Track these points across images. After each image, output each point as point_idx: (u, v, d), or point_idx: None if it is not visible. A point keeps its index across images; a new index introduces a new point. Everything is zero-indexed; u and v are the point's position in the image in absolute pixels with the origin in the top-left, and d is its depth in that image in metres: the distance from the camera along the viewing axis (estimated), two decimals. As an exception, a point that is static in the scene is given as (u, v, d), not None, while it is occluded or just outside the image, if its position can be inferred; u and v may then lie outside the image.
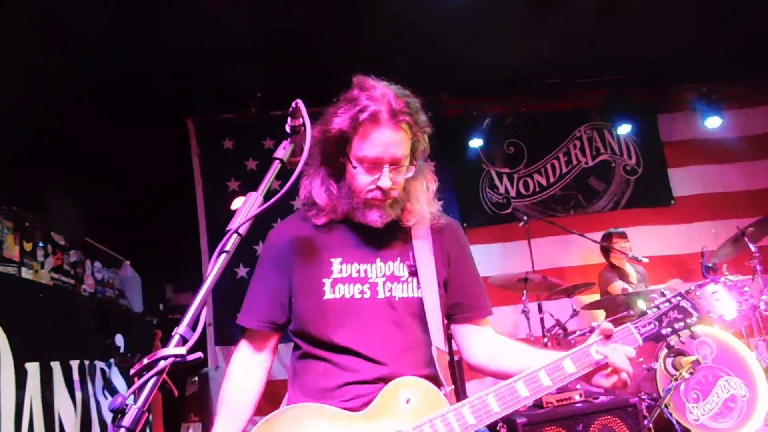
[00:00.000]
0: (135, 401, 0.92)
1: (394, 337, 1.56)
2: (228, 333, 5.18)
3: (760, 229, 4.34)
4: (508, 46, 5.06)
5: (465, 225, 5.92)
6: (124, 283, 5.37)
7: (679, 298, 1.64)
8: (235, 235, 1.14)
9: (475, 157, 6.11)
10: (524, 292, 4.70)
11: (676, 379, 3.36)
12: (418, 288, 1.59)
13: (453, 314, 1.71)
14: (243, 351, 1.69)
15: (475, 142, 5.99)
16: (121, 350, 4.31)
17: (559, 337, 4.53)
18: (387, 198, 1.54)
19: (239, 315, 1.69)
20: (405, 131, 1.51)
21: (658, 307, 1.62)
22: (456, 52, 5.02)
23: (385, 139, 1.49)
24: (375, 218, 1.56)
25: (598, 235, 5.27)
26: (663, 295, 1.66)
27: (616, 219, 5.89)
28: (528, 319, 4.70)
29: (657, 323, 1.59)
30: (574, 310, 4.49)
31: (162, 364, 0.92)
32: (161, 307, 5.96)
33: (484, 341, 1.72)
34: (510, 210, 6.07)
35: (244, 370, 1.66)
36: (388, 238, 1.63)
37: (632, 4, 4.53)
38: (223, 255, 1.13)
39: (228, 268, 1.68)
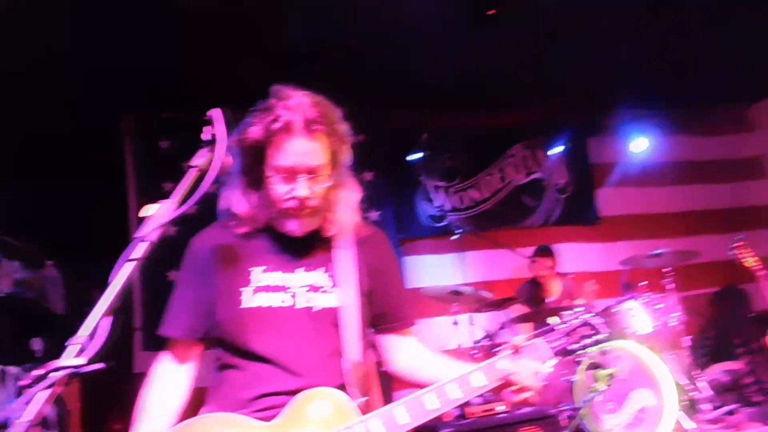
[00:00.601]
0: (25, 415, 0.88)
1: (312, 348, 1.56)
2: (158, 338, 5.01)
3: (676, 253, 4.61)
4: (450, 62, 5.17)
5: (401, 236, 6.01)
6: (46, 284, 5.12)
7: (590, 314, 1.68)
8: (143, 242, 1.12)
9: (413, 170, 6.20)
10: (455, 303, 4.79)
11: (593, 391, 3.51)
12: (339, 298, 1.60)
13: (377, 324, 1.73)
14: (165, 361, 1.67)
15: (414, 155, 6.07)
16: (39, 355, 4.11)
17: (488, 349, 4.65)
18: (304, 207, 1.54)
19: (161, 325, 1.67)
20: (321, 140, 1.52)
21: (568, 323, 1.65)
22: (399, 65, 5.09)
23: (300, 148, 1.49)
24: (294, 227, 1.56)
25: (528, 251, 5.45)
26: (574, 310, 1.69)
27: (545, 235, 6.09)
28: (458, 330, 4.79)
29: (566, 338, 1.63)
30: (503, 322, 4.61)
31: (54, 375, 0.89)
32: (86, 310, 5.71)
33: (407, 352, 1.74)
34: (445, 223, 6.18)
35: (166, 380, 1.63)
36: (310, 247, 1.64)
37: (570, 30, 4.74)
38: (130, 263, 1.10)
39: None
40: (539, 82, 5.79)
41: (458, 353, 4.65)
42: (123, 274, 1.09)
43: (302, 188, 1.50)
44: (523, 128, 6.51)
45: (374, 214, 5.98)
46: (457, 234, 5.27)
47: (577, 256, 6.22)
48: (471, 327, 4.86)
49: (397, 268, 1.81)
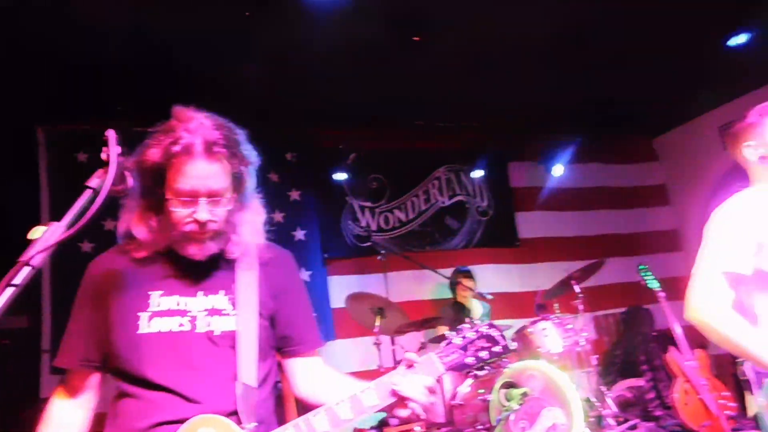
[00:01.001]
0: None
1: (212, 373, 1.52)
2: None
3: (585, 273, 4.83)
4: (378, 84, 5.25)
5: (326, 255, 6.00)
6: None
7: (486, 327, 1.65)
8: (26, 267, 1.07)
9: (339, 190, 6.22)
10: (377, 324, 4.81)
11: (507, 410, 3.61)
12: (239, 321, 1.57)
13: (281, 347, 1.71)
14: (60, 396, 1.59)
15: (341, 175, 6.10)
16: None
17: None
18: (205, 231, 1.51)
19: (56, 356, 1.59)
20: (223, 163, 1.49)
21: (464, 336, 1.63)
22: (327, 85, 5.12)
23: (200, 171, 1.46)
24: (194, 251, 1.53)
25: (450, 272, 5.58)
26: (472, 324, 1.67)
27: (467, 257, 6.26)
28: (380, 350, 4.81)
29: (462, 352, 1.60)
30: (422, 342, 4.68)
31: None
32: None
33: (310, 374, 1.73)
34: (370, 243, 6.22)
35: (61, 419, 1.56)
36: (212, 270, 1.61)
37: (492, 59, 4.94)
38: (10, 288, 1.04)
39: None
40: (463, 107, 5.99)
41: (380, 374, 4.67)
42: (3, 298, 1.03)
43: (203, 212, 1.47)
44: (447, 151, 6.67)
45: (300, 233, 5.96)
46: (381, 254, 5.33)
47: (499, 277, 6.42)
48: (393, 348, 4.90)
49: (302, 290, 1.78)
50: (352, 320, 4.97)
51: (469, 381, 4.17)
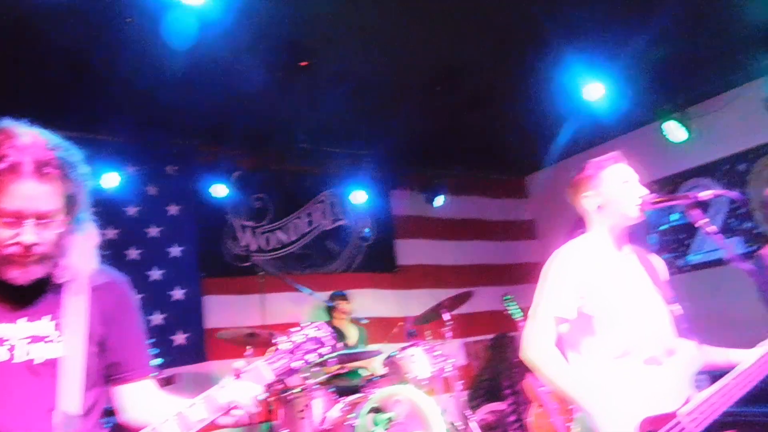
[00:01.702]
0: None
1: (29, 405, 1.43)
2: None
3: (455, 301, 5.07)
4: (267, 105, 5.24)
5: (203, 275, 5.81)
6: None
7: (314, 329, 1.69)
8: None
9: (221, 207, 6.07)
10: (249, 347, 4.71)
11: (372, 435, 3.69)
12: (64, 348, 1.50)
13: (110, 375, 1.64)
14: None
15: (222, 192, 5.95)
16: None
17: (278, 393, 4.65)
18: (30, 254, 1.43)
19: None
20: (54, 184, 1.43)
21: (292, 341, 1.64)
22: (213, 103, 5.03)
23: (28, 191, 1.39)
24: (15, 275, 1.44)
25: (328, 295, 5.62)
26: (300, 327, 1.69)
27: (346, 281, 6.34)
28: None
29: (290, 356, 1.63)
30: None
31: None
32: None
33: (139, 400, 1.67)
34: (249, 264, 6.12)
35: None
36: (37, 295, 1.52)
37: (374, 90, 5.10)
38: None
39: None
40: (348, 134, 6.11)
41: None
42: None
43: (29, 234, 1.40)
44: (332, 176, 6.75)
45: (177, 249, 5.74)
46: (260, 275, 5.27)
47: (377, 302, 6.55)
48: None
49: (135, 316, 1.72)
50: (225, 342, 4.83)
51: (339, 405, 4.21)
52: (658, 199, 2.19)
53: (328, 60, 4.51)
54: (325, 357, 1.68)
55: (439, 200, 6.94)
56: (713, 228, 2.15)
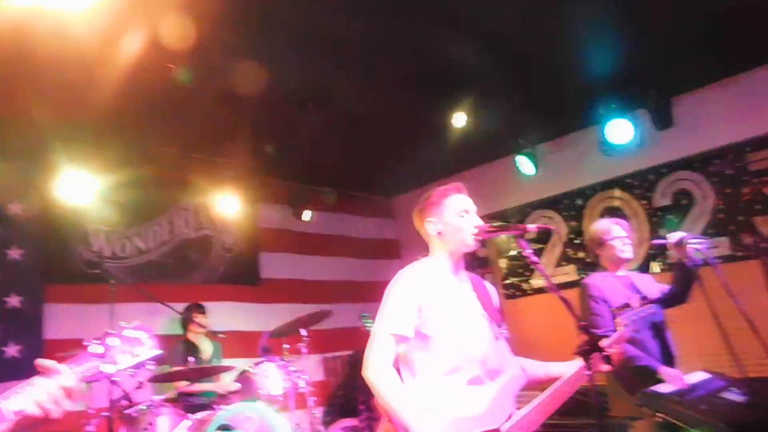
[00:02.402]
0: None
1: None
2: None
3: (313, 318, 5.13)
4: (131, 102, 4.97)
5: (46, 280, 5.36)
6: None
7: (132, 330, 1.61)
8: None
9: (71, 209, 5.64)
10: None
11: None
12: None
13: None
14: None
15: (74, 192, 5.51)
16: None
17: (124, 410, 4.40)
18: None
19: None
20: None
21: (105, 345, 1.55)
22: (70, 99, 4.70)
23: None
24: None
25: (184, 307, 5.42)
26: (118, 330, 1.61)
27: (206, 292, 6.13)
28: (92, 388, 4.42)
29: (99, 360, 1.53)
30: (140, 381, 4.43)
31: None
32: None
33: None
34: (101, 270, 5.73)
35: None
36: None
37: (243, 102, 5.05)
38: None
39: None
40: (218, 142, 5.97)
41: (87, 415, 4.31)
42: None
43: None
44: (199, 184, 6.53)
45: (15, 252, 5.26)
46: (112, 283, 4.96)
47: (237, 315, 6.41)
48: (110, 386, 4.55)
49: None
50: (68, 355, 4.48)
51: (187, 423, 4.09)
52: (491, 229, 2.40)
53: (199, 64, 4.40)
54: (142, 358, 1.58)
55: (307, 215, 6.97)
56: (536, 259, 2.40)
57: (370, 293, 7.53)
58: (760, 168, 5.39)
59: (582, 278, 3.77)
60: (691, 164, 5.80)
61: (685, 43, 4.77)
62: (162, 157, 6.10)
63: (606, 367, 2.15)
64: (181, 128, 5.55)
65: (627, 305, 2.64)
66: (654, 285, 3.56)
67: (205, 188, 6.53)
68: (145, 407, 4.22)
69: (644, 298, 3.38)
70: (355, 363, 6.86)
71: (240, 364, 5.05)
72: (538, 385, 2.41)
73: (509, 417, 2.14)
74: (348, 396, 6.49)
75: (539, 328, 6.29)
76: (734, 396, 3.01)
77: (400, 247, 8.40)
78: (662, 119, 5.42)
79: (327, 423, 6.02)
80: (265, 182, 6.83)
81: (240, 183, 6.52)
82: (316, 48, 4.36)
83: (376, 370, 2.15)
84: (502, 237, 6.15)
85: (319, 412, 6.48)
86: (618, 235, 3.56)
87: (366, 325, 5.18)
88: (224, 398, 4.47)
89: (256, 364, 4.44)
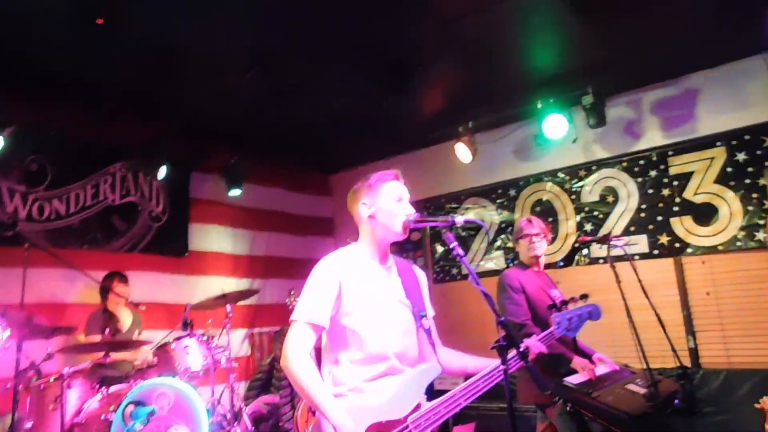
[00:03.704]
0: None
1: None
2: None
3: (241, 294, 5.03)
4: (59, 57, 4.69)
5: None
6: None
7: None
8: None
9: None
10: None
11: (128, 430, 3.51)
12: None
13: None
14: None
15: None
16: None
17: (31, 381, 4.19)
18: None
19: None
20: None
21: None
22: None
23: None
24: None
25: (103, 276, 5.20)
26: None
27: (130, 262, 5.89)
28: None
29: None
30: (49, 352, 4.23)
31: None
32: None
33: None
34: (13, 233, 5.40)
35: None
36: None
37: (182, 64, 4.84)
38: None
39: None
40: (151, 103, 5.72)
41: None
42: None
43: None
44: (128, 147, 6.23)
45: None
46: (26, 247, 4.68)
47: (161, 286, 6.21)
48: (18, 354, 4.31)
49: None
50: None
51: (98, 397, 3.94)
52: (420, 219, 2.39)
53: (133, 20, 4.16)
54: None
55: (239, 188, 6.78)
56: (461, 252, 2.41)
57: (301, 270, 7.49)
58: (680, 172, 5.67)
59: (508, 267, 3.89)
60: (619, 163, 6.03)
61: (621, 46, 4.92)
62: (89, 115, 5.78)
63: (520, 363, 2.21)
64: (110, 85, 5.27)
65: (564, 303, 2.70)
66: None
67: (134, 152, 6.25)
68: (53, 379, 4.03)
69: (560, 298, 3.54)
70: (281, 339, 6.83)
71: (160, 337, 4.91)
72: (462, 375, 2.43)
73: (417, 407, 2.16)
74: (271, 372, 6.45)
75: (469, 312, 6.44)
76: (637, 388, 3.18)
77: (335, 225, 8.36)
78: (596, 118, 5.58)
79: (250, 399, 5.97)
80: (199, 150, 6.59)
81: (172, 149, 6.27)
82: (265, 15, 4.20)
83: (292, 361, 2.11)
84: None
85: (241, 387, 6.42)
86: (529, 233, 3.70)
87: (293, 302, 5.13)
88: (141, 372, 4.34)
89: (177, 338, 4.31)
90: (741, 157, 5.34)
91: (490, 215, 6.90)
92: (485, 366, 2.31)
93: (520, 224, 3.80)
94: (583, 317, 2.60)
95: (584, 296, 2.79)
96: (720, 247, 5.37)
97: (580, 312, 2.59)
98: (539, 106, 5.66)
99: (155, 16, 4.15)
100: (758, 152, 5.25)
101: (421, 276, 2.58)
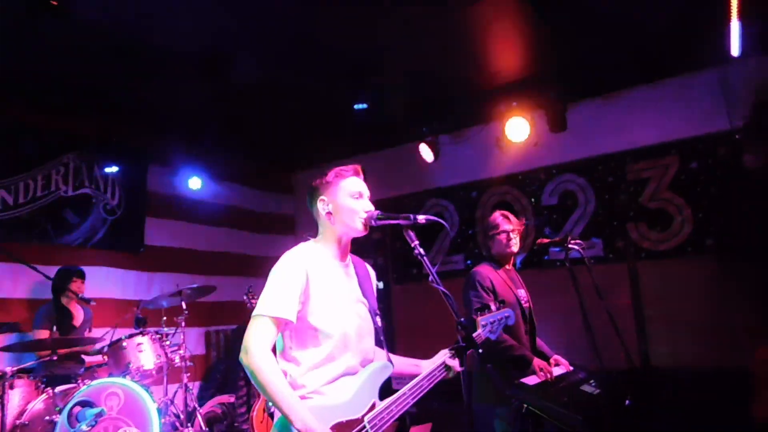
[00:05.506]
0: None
1: None
2: None
3: (196, 291, 4.91)
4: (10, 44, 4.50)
5: None
6: None
7: None
8: None
9: None
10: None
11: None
12: None
13: None
14: None
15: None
16: None
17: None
18: None
19: None
20: None
21: None
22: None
23: None
24: None
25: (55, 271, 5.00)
26: None
27: (82, 256, 5.70)
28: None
29: None
30: (-8, 350, 4.06)
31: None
32: None
33: None
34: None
35: None
36: None
37: (140, 55, 4.70)
38: None
39: None
40: (107, 94, 5.54)
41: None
42: None
43: None
44: (82, 137, 6.01)
45: None
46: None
47: (114, 282, 6.03)
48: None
49: None
50: None
51: (43, 397, 3.78)
52: (380, 216, 2.36)
53: (89, 7, 4.00)
54: None
55: (197, 182, 6.63)
56: (421, 250, 2.39)
57: (260, 268, 7.37)
58: (636, 178, 5.81)
59: (469, 268, 3.89)
60: (578, 168, 6.14)
61: (584, 55, 5.01)
62: (41, 105, 5.57)
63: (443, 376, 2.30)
64: (65, 75, 5.09)
65: (487, 306, 2.71)
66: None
67: (89, 144, 6.05)
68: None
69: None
70: (238, 337, 6.71)
71: (110, 335, 4.75)
72: (408, 376, 2.43)
73: (372, 407, 2.14)
74: (228, 371, 6.33)
75: (427, 314, 6.44)
76: (590, 389, 3.23)
77: (296, 223, 8.27)
78: (557, 123, 5.67)
79: (205, 398, 5.84)
80: (156, 143, 6.42)
81: (129, 141, 6.09)
82: (229, 13, 4.12)
83: (254, 356, 2.02)
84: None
85: (195, 387, 6.27)
86: (506, 229, 3.70)
87: (250, 300, 5.04)
88: (90, 371, 4.18)
89: (129, 336, 4.18)
90: (693, 165, 5.51)
91: (452, 216, 6.94)
92: (413, 365, 2.34)
93: (496, 220, 3.74)
94: (502, 322, 2.65)
95: (502, 302, 2.85)
96: (671, 253, 5.53)
97: (500, 316, 2.63)
98: (502, 109, 5.72)
99: (113, 3, 4.02)
100: (710, 161, 5.42)
101: (372, 273, 2.56)
